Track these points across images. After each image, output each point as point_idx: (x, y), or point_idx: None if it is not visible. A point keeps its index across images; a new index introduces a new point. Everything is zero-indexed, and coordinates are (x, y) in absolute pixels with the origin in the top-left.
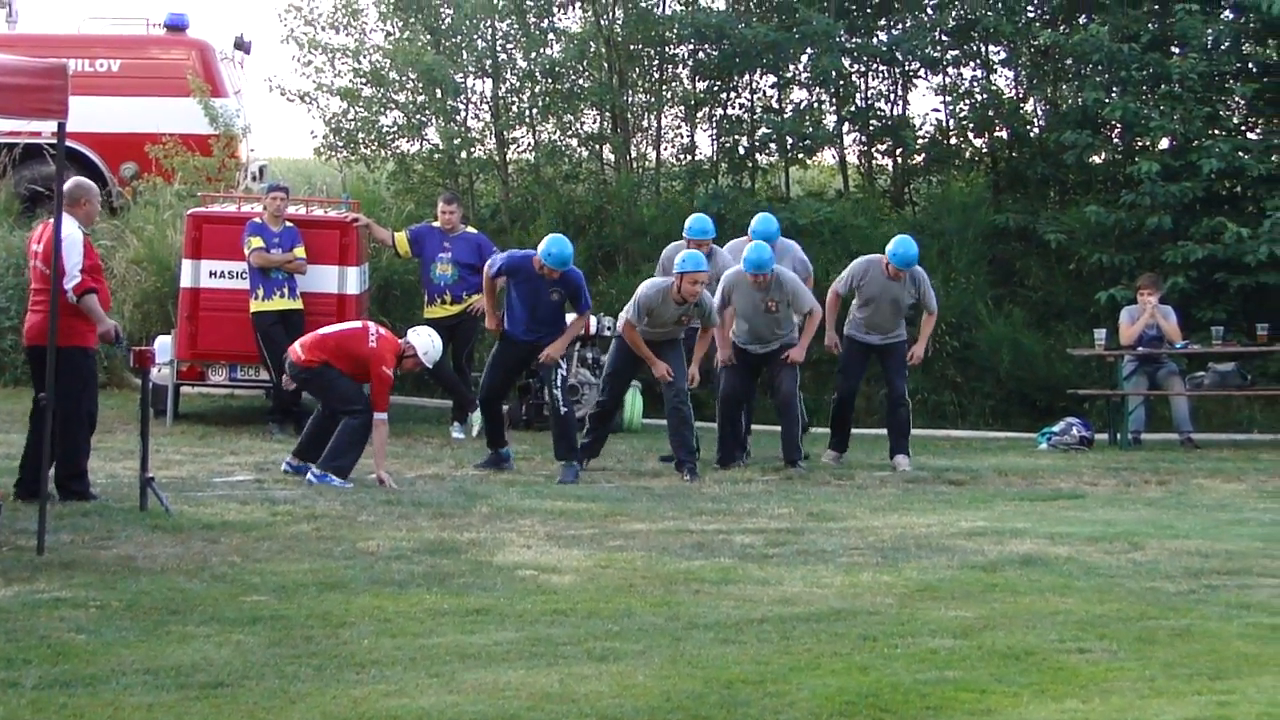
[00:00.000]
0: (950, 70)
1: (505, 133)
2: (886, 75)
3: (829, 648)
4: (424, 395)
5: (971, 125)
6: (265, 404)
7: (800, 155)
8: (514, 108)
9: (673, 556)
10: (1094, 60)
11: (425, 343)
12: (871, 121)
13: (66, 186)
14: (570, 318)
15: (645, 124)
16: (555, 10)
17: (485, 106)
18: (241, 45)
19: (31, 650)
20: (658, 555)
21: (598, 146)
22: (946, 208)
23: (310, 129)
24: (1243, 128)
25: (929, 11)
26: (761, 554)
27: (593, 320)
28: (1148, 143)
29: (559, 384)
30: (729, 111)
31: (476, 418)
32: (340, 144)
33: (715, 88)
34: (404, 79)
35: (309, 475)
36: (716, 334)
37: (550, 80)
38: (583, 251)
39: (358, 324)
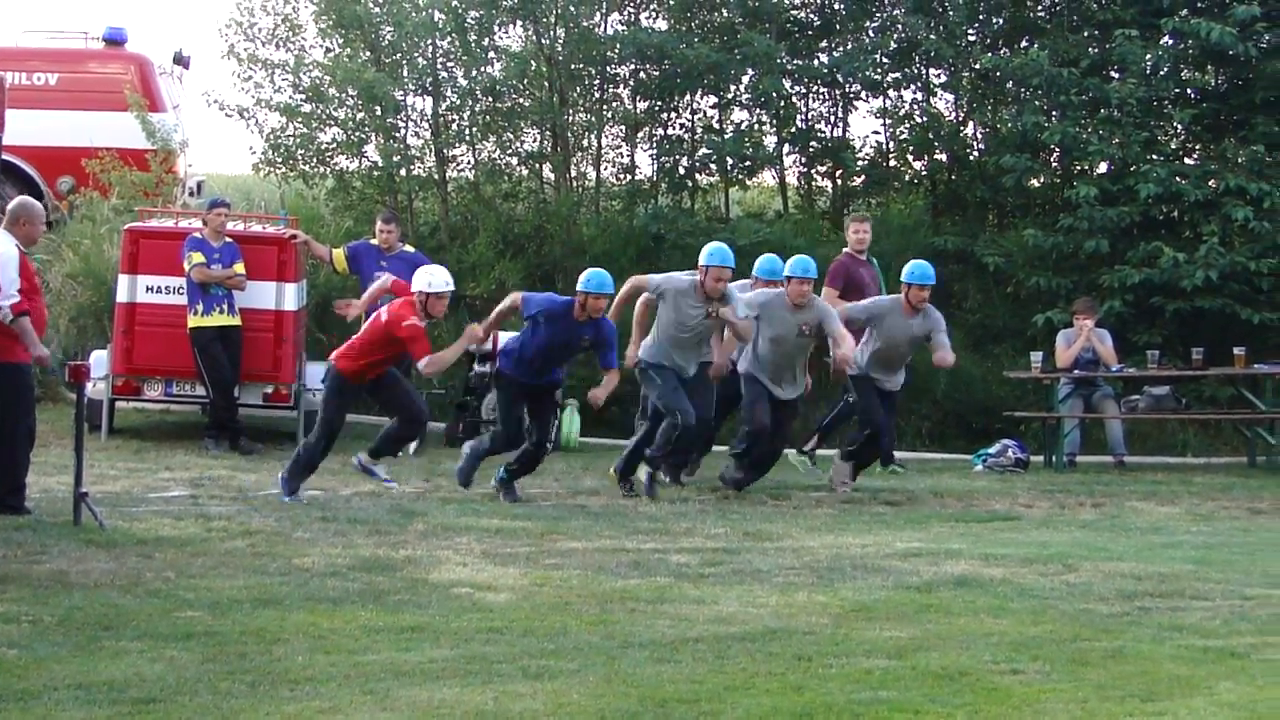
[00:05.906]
0: (890, 93)
1: (445, 150)
2: (827, 97)
3: (764, 667)
4: (361, 412)
5: (911, 148)
6: (201, 419)
7: (740, 176)
8: (454, 126)
9: (609, 575)
10: (1033, 84)
11: (424, 279)
12: (811, 143)
13: (11, 205)
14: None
15: (585, 143)
16: (496, 29)
17: (425, 124)
18: (181, 60)
19: None
20: (594, 574)
21: (538, 165)
22: (885, 230)
23: (249, 145)
24: (1180, 153)
25: (870, 34)
26: (697, 573)
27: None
28: (1086, 167)
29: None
30: (669, 131)
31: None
32: (279, 160)
33: (656, 108)
34: (344, 96)
35: (355, 459)
36: (714, 345)
37: (491, 99)
38: (521, 270)
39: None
